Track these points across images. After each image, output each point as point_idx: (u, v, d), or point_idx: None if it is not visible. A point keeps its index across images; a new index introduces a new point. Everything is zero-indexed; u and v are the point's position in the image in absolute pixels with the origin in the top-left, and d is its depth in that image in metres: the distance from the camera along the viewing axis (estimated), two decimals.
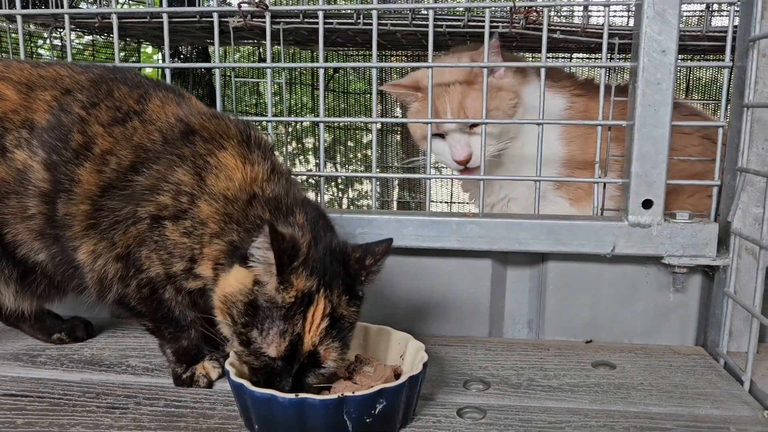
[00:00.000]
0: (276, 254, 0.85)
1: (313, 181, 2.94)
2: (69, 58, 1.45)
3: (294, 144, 3.75)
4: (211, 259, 0.95)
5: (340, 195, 4.01)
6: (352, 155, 3.75)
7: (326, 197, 3.89)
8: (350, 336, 0.93)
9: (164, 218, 0.96)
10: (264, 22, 1.36)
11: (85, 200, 1.00)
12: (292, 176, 1.06)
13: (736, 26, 1.21)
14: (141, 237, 0.98)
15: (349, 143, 3.76)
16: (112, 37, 1.40)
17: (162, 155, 0.99)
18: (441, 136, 1.56)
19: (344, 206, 3.92)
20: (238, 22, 1.50)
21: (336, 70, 3.07)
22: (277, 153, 2.37)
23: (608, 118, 1.42)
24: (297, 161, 3.79)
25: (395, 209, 3.43)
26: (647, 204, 1.21)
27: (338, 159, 3.73)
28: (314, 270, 0.88)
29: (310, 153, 3.81)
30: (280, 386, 0.89)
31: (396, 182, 3.52)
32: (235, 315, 0.90)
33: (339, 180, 3.95)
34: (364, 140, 3.62)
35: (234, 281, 0.90)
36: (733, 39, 1.21)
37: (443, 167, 1.84)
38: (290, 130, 3.43)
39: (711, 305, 1.27)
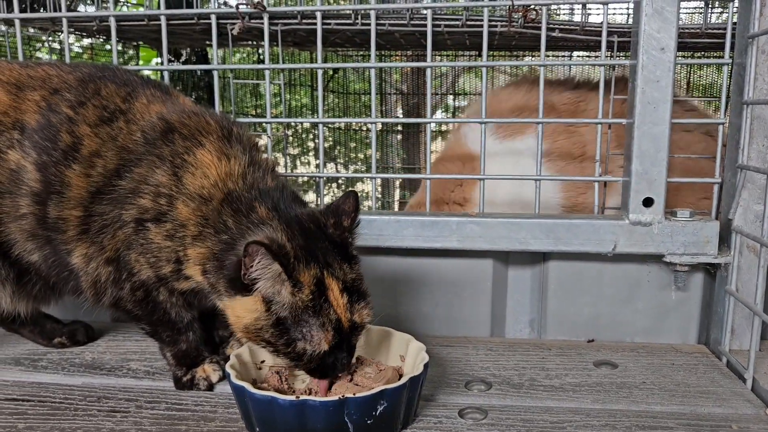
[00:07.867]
0: (280, 263, 0.85)
1: (314, 183, 2.94)
2: (67, 62, 1.45)
3: (295, 144, 3.74)
4: (197, 263, 0.95)
5: None
6: (354, 155, 3.75)
7: (328, 198, 3.89)
8: (365, 288, 0.95)
9: (146, 221, 0.96)
10: (262, 24, 1.36)
11: (77, 205, 1.00)
12: (276, 170, 1.04)
13: (735, 23, 1.21)
14: (128, 241, 0.98)
15: (352, 144, 3.76)
16: (112, 40, 1.41)
17: (143, 156, 0.98)
18: None
19: None
20: (239, 28, 1.49)
21: (336, 70, 3.07)
22: (276, 154, 2.37)
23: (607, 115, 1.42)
24: (298, 162, 3.79)
25: (397, 209, 3.43)
26: (648, 202, 1.21)
27: (340, 159, 3.73)
28: (307, 258, 0.89)
29: (311, 154, 3.81)
30: (341, 366, 0.92)
31: (398, 182, 3.52)
32: (270, 339, 0.90)
33: (340, 180, 3.95)
34: (366, 140, 3.62)
35: (243, 311, 0.90)
36: (733, 36, 1.21)
37: None
38: (291, 132, 3.41)
39: (713, 303, 1.27)
